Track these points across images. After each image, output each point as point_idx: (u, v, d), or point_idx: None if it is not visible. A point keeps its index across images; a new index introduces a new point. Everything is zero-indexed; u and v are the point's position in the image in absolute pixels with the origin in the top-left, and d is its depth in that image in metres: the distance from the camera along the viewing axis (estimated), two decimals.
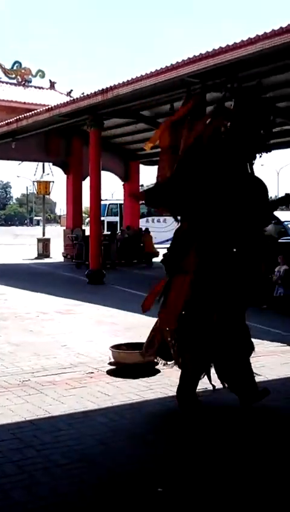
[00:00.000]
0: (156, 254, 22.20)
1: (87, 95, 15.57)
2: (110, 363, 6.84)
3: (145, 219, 31.58)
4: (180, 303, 5.30)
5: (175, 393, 5.64)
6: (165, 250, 5.93)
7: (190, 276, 5.27)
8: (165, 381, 6.22)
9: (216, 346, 5.26)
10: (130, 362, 6.69)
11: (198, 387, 5.44)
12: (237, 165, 5.56)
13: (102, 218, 20.69)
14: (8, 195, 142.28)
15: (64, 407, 5.36)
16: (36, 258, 25.00)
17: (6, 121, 19.15)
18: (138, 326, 9.46)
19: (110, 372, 6.57)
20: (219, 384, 5.41)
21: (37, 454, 4.28)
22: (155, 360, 6.01)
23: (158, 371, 6.58)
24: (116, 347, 7.04)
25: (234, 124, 5.58)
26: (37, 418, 5.08)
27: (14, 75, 25.29)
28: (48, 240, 26.37)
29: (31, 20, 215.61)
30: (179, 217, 5.70)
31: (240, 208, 5.37)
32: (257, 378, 5.54)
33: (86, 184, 22.11)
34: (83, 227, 25.26)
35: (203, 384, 5.50)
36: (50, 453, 4.30)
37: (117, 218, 32.02)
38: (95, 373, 6.58)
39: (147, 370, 6.55)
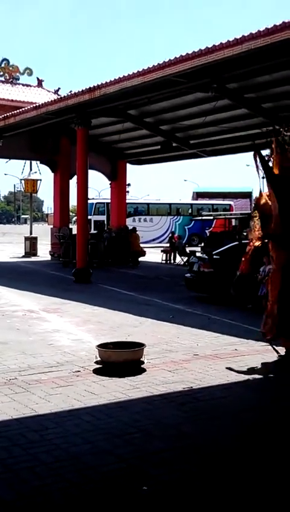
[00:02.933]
0: (143, 253, 22.24)
1: (75, 93, 15.56)
2: (96, 362, 6.88)
3: (132, 218, 31.62)
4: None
5: (160, 393, 5.71)
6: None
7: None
8: (151, 380, 6.27)
9: None
10: (116, 361, 6.75)
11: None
12: None
13: (89, 217, 20.68)
14: None
15: (51, 406, 5.39)
16: (23, 257, 24.95)
17: None
18: (124, 326, 9.53)
19: (96, 371, 6.60)
20: None
21: (23, 453, 4.31)
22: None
23: (144, 370, 6.64)
24: (103, 346, 7.08)
25: None
26: (24, 416, 5.11)
27: (1, 73, 25.15)
28: (35, 238, 26.32)
29: (19, 16, 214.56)
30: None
31: None
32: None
33: (73, 182, 22.13)
34: (70, 226, 25.23)
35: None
36: (36, 452, 4.33)
37: (104, 217, 32.01)
38: (82, 372, 6.61)
39: (133, 369, 6.61)
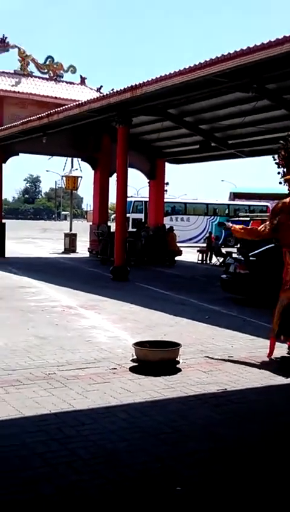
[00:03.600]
0: (179, 253, 22.27)
1: (117, 91, 15.68)
2: (132, 360, 6.98)
3: (169, 217, 31.66)
4: None
5: (195, 393, 5.78)
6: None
7: None
8: (186, 380, 6.34)
9: None
10: (152, 360, 6.83)
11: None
12: None
13: (127, 215, 20.84)
14: (37, 189, 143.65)
15: (88, 402, 5.51)
16: (63, 253, 25.29)
17: (38, 116, 19.37)
18: (160, 325, 9.62)
19: (132, 369, 6.70)
20: None
21: (61, 448, 4.42)
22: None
23: (179, 370, 6.71)
24: (139, 344, 7.17)
25: None
26: (62, 411, 5.23)
27: (46, 70, 25.52)
28: (75, 235, 26.63)
29: (64, 14, 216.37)
30: None
31: None
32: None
33: (112, 180, 22.29)
34: (109, 224, 25.45)
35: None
36: (74, 447, 4.44)
37: (142, 216, 32.15)
38: (118, 369, 6.72)
39: (169, 368, 6.68)
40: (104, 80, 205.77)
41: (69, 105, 18.39)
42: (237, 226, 8.53)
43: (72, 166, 27.24)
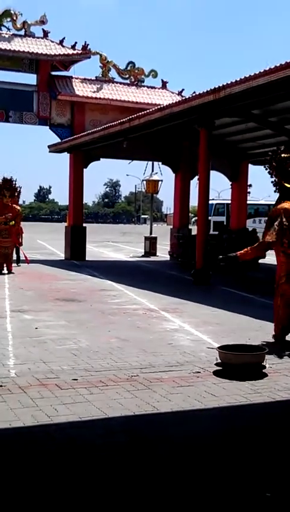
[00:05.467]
0: (263, 256, 21.78)
1: (199, 94, 15.55)
2: (216, 364, 6.83)
3: (252, 219, 31.15)
4: None
5: (283, 399, 5.55)
6: None
7: None
8: (273, 385, 6.12)
9: None
10: (236, 364, 6.65)
11: None
12: None
13: (209, 218, 20.64)
14: (117, 194, 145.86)
15: (172, 405, 5.40)
16: (143, 256, 25.40)
17: (119, 121, 19.56)
18: (244, 329, 9.38)
19: (216, 373, 6.55)
20: None
21: (147, 450, 4.35)
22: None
23: (265, 375, 6.49)
24: (223, 348, 7.00)
25: None
26: (146, 413, 5.16)
27: (127, 75, 25.78)
28: (155, 238, 26.70)
29: (144, 19, 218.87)
30: None
31: None
32: None
33: (193, 183, 22.21)
34: (190, 227, 25.33)
35: None
36: (160, 450, 4.35)
37: (224, 218, 31.81)
38: (202, 373, 6.58)
39: (254, 373, 6.48)
40: (186, 83, 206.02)
41: (150, 110, 18.44)
42: (242, 251, 8.73)
43: (152, 170, 27.38)
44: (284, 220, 8.13)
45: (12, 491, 3.68)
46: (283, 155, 8.56)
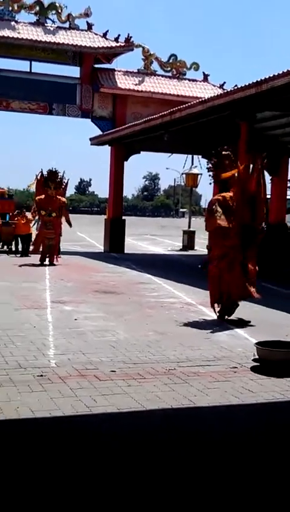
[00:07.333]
0: None
1: (241, 87, 15.42)
2: (254, 360, 6.82)
3: None
4: None
5: None
6: None
7: None
8: None
9: None
10: (274, 360, 6.63)
11: None
12: None
13: None
14: (156, 187, 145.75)
15: (209, 399, 5.44)
16: (181, 250, 25.39)
17: (160, 114, 19.55)
18: (283, 325, 9.33)
19: (253, 369, 6.55)
20: None
21: (184, 443, 4.40)
22: None
23: None
24: (261, 344, 6.99)
25: None
26: (183, 407, 5.21)
27: (169, 68, 25.74)
28: (193, 232, 26.66)
29: (187, 11, 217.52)
30: None
31: None
32: None
33: None
34: None
35: None
36: (197, 443, 4.40)
37: None
38: (239, 368, 6.59)
39: None
40: (227, 76, 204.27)
41: (191, 103, 18.37)
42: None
43: (192, 164, 27.29)
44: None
45: (54, 480, 3.77)
46: None
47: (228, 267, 9.50)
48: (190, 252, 24.67)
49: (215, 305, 9.67)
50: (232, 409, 5.24)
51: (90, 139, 25.62)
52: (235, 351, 7.40)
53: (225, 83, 25.95)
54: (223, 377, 6.22)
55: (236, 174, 9.78)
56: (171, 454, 4.21)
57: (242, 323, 9.29)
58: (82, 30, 24.36)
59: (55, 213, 17.86)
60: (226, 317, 9.62)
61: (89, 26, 24.46)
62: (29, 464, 3.96)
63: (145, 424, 4.80)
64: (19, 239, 20.77)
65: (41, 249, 17.89)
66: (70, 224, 18.62)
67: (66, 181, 18.61)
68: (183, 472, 3.94)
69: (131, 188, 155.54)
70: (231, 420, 5.00)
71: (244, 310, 10.69)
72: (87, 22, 24.50)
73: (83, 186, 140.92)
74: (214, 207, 9.54)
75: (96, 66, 24.62)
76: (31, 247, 18.89)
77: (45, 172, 18.24)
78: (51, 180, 17.95)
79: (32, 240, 19.48)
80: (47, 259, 17.60)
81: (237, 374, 6.37)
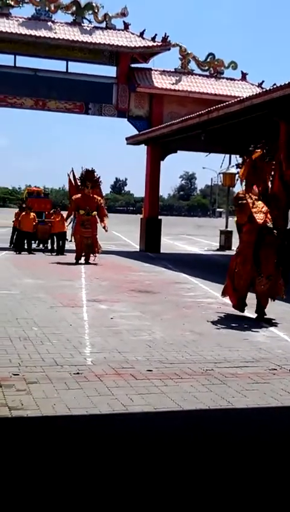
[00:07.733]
0: None
1: (280, 85, 15.21)
2: None
3: None
4: None
5: None
6: None
7: None
8: None
9: None
10: None
11: None
12: None
13: None
14: (192, 186, 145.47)
15: (247, 401, 5.33)
16: (218, 250, 25.21)
17: (198, 113, 19.43)
18: None
19: None
20: None
21: (223, 446, 4.31)
22: None
23: None
24: None
25: None
26: (220, 408, 5.11)
27: (207, 67, 25.58)
28: (231, 232, 26.40)
29: (224, 10, 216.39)
30: None
31: None
32: None
33: None
34: None
35: None
36: (237, 446, 4.30)
37: None
38: (278, 370, 6.46)
39: None
40: (266, 75, 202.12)
41: (229, 102, 18.21)
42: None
43: (229, 163, 27.08)
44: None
45: (91, 477, 3.73)
46: None
47: (242, 262, 9.74)
48: (227, 252, 24.44)
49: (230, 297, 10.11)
50: (272, 411, 5.12)
51: (127, 139, 25.65)
52: (275, 353, 7.25)
53: (263, 81, 25.69)
54: (262, 378, 6.09)
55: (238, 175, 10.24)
56: (207, 456, 4.12)
57: (270, 322, 9.34)
58: (119, 30, 24.40)
59: (94, 212, 17.95)
60: (259, 316, 9.61)
61: (126, 26, 24.48)
62: (68, 461, 3.92)
63: (183, 425, 4.72)
64: (54, 237, 20.92)
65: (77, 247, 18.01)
66: (106, 229, 18.60)
67: (100, 180, 18.66)
68: (220, 474, 3.85)
69: (167, 187, 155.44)
70: (271, 422, 4.87)
71: (282, 310, 10.54)
72: (124, 22, 24.52)
73: (118, 186, 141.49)
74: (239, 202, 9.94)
75: (132, 65, 24.62)
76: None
77: (76, 172, 18.43)
78: (88, 180, 18.02)
79: (68, 238, 19.59)
80: (82, 258, 17.67)
81: (277, 375, 6.24)
